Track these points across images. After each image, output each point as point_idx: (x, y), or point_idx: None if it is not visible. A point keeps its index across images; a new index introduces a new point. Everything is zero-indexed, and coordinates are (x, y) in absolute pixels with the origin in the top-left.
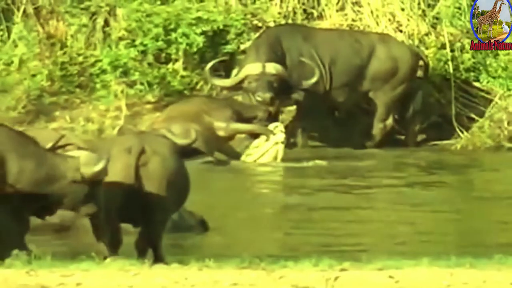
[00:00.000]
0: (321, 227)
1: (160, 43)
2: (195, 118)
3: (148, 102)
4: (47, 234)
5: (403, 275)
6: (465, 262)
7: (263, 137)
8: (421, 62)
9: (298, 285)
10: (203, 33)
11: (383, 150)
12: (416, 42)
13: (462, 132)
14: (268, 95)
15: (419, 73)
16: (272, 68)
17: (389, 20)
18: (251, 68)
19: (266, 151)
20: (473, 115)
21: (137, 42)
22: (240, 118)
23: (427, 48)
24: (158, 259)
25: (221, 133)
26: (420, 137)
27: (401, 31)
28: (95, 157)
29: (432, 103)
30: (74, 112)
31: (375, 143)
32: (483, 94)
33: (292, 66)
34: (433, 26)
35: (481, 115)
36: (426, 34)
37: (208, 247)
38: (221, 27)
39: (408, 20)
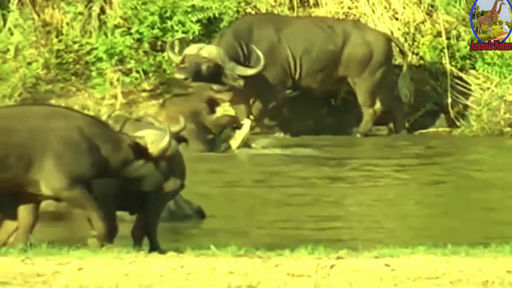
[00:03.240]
0: (315, 216)
1: (156, 31)
2: (192, 118)
3: (144, 90)
4: (43, 222)
5: (399, 263)
6: (461, 250)
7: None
8: (396, 48)
9: (294, 273)
10: (199, 21)
11: (374, 137)
12: (412, 30)
13: (458, 120)
14: (181, 76)
15: (399, 59)
16: (206, 51)
17: (385, 8)
18: (189, 49)
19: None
20: (469, 103)
21: (133, 30)
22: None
23: (423, 36)
24: (153, 247)
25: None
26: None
27: (397, 18)
28: (160, 134)
29: (428, 91)
30: (70, 100)
31: (367, 129)
32: (479, 81)
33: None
34: (429, 14)
35: (477, 102)
36: (422, 22)
37: (204, 235)
38: (216, 15)
39: (404, 8)
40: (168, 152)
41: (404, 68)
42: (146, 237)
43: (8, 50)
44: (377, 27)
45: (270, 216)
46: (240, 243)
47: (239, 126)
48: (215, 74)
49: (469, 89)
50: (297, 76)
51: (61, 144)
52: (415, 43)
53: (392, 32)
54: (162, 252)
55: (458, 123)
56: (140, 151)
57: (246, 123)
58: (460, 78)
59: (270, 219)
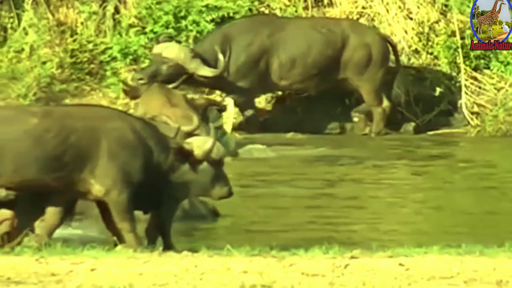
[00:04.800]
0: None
1: (170, 30)
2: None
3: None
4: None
5: (413, 262)
6: (475, 249)
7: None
8: (390, 48)
9: (308, 272)
10: (213, 20)
11: (389, 136)
12: (426, 29)
13: (473, 120)
14: (136, 76)
15: (392, 58)
16: (168, 51)
17: (399, 7)
18: (155, 48)
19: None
20: (483, 103)
21: (147, 30)
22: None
23: (437, 36)
24: (167, 246)
25: None
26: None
27: (411, 18)
28: (205, 139)
29: (442, 91)
30: (84, 100)
31: (380, 128)
32: (493, 81)
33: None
34: (443, 14)
35: (492, 102)
36: (436, 22)
37: (219, 235)
38: (230, 14)
39: (418, 7)
40: (213, 156)
41: (397, 68)
42: (160, 237)
43: (22, 49)
44: (392, 27)
45: (285, 216)
46: (254, 242)
47: (222, 108)
48: (175, 75)
49: (484, 89)
50: (290, 80)
51: (117, 145)
52: (429, 43)
53: (406, 32)
54: (176, 251)
55: (472, 123)
56: (185, 155)
57: (229, 103)
58: (475, 78)
59: (285, 219)
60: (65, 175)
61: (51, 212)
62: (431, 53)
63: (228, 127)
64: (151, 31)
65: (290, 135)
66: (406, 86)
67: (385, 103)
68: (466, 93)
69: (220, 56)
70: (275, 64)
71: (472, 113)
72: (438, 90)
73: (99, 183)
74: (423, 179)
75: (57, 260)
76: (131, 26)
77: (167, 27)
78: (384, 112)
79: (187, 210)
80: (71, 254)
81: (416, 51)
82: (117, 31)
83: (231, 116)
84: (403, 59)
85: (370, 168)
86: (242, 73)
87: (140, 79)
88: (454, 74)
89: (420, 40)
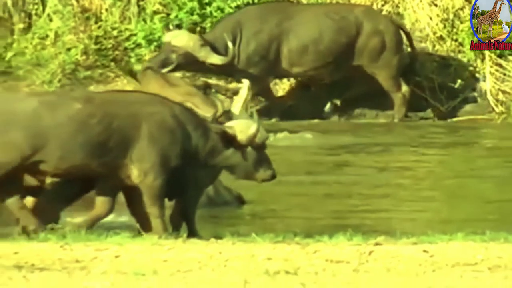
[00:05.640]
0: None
1: (195, 17)
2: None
3: (183, 76)
4: (83, 207)
5: (437, 249)
6: (499, 236)
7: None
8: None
9: (333, 259)
10: (237, 6)
11: (412, 123)
12: (451, 16)
13: (497, 107)
14: (146, 65)
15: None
16: (177, 40)
17: None
18: (166, 37)
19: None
20: (508, 90)
21: (172, 16)
22: None
23: (461, 22)
24: (191, 233)
25: None
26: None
27: (436, 5)
28: (248, 122)
29: (467, 78)
30: (109, 86)
31: (402, 114)
32: None
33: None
34: (468, 0)
35: None
36: (461, 8)
37: (243, 221)
38: (255, 0)
39: None
40: (256, 140)
41: (414, 54)
42: (185, 223)
43: (47, 36)
44: (416, 13)
45: (309, 204)
46: (279, 229)
47: (234, 91)
48: (185, 63)
49: (509, 76)
50: (303, 67)
51: (157, 129)
52: (454, 30)
53: (431, 18)
54: (201, 238)
55: (497, 110)
56: (228, 140)
57: (244, 85)
58: (499, 65)
59: (309, 207)
60: (109, 161)
61: (100, 201)
62: (456, 40)
63: (236, 109)
64: (176, 17)
65: (315, 121)
66: (430, 73)
67: (404, 88)
68: (491, 80)
69: (229, 44)
70: (285, 51)
71: (497, 100)
72: (462, 76)
73: (137, 168)
74: (448, 166)
75: (82, 246)
76: (155, 12)
77: (191, 14)
78: (404, 97)
79: (211, 196)
80: (96, 240)
81: (441, 38)
82: (141, 18)
83: (241, 99)
84: (428, 45)
85: (394, 155)
86: (252, 61)
87: (150, 67)
88: (479, 60)
89: (444, 27)
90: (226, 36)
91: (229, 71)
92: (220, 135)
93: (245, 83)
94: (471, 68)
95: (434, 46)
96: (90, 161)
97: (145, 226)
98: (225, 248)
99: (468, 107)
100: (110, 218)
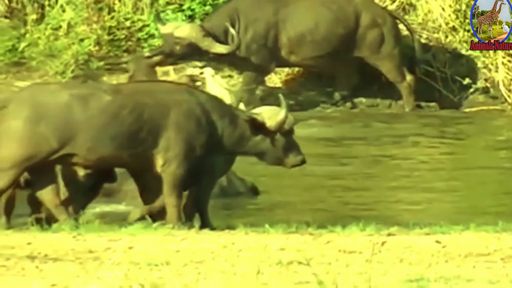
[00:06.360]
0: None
1: (207, 7)
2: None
3: (195, 66)
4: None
5: (450, 240)
6: None
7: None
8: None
9: (345, 250)
10: None
11: (424, 112)
12: (464, 7)
13: (510, 97)
14: (147, 54)
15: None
16: (179, 31)
17: None
18: (165, 28)
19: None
20: None
21: (184, 7)
22: None
23: None
24: (204, 223)
25: None
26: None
27: None
28: (275, 109)
29: (478, 68)
30: (122, 77)
31: (411, 103)
32: None
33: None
34: None
35: None
36: None
37: (256, 212)
38: None
39: None
40: (285, 126)
41: (416, 45)
42: (198, 214)
43: (60, 27)
44: (429, 4)
45: (322, 195)
46: (292, 220)
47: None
48: (189, 54)
49: None
50: (300, 57)
51: (184, 117)
52: (467, 20)
53: (443, 9)
54: (214, 229)
55: (509, 101)
56: (257, 127)
57: (207, 75)
58: None
59: (322, 197)
60: (140, 151)
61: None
62: (468, 31)
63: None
64: (189, 8)
65: (327, 111)
66: (443, 63)
67: (409, 77)
68: (503, 70)
69: (233, 32)
70: (284, 39)
71: (509, 90)
72: (475, 67)
73: (163, 157)
74: (460, 157)
75: (95, 237)
76: (168, 3)
77: (204, 4)
78: (410, 86)
79: (224, 187)
80: (109, 231)
81: (454, 29)
82: (154, 8)
83: (211, 88)
84: (441, 36)
85: (406, 146)
86: (251, 49)
87: (148, 57)
88: (491, 51)
89: (457, 17)
90: (227, 23)
91: (231, 60)
92: (249, 122)
93: (208, 72)
94: (483, 59)
95: (446, 36)
96: (122, 152)
97: (156, 216)
98: (238, 238)
99: (480, 97)
100: (111, 207)
